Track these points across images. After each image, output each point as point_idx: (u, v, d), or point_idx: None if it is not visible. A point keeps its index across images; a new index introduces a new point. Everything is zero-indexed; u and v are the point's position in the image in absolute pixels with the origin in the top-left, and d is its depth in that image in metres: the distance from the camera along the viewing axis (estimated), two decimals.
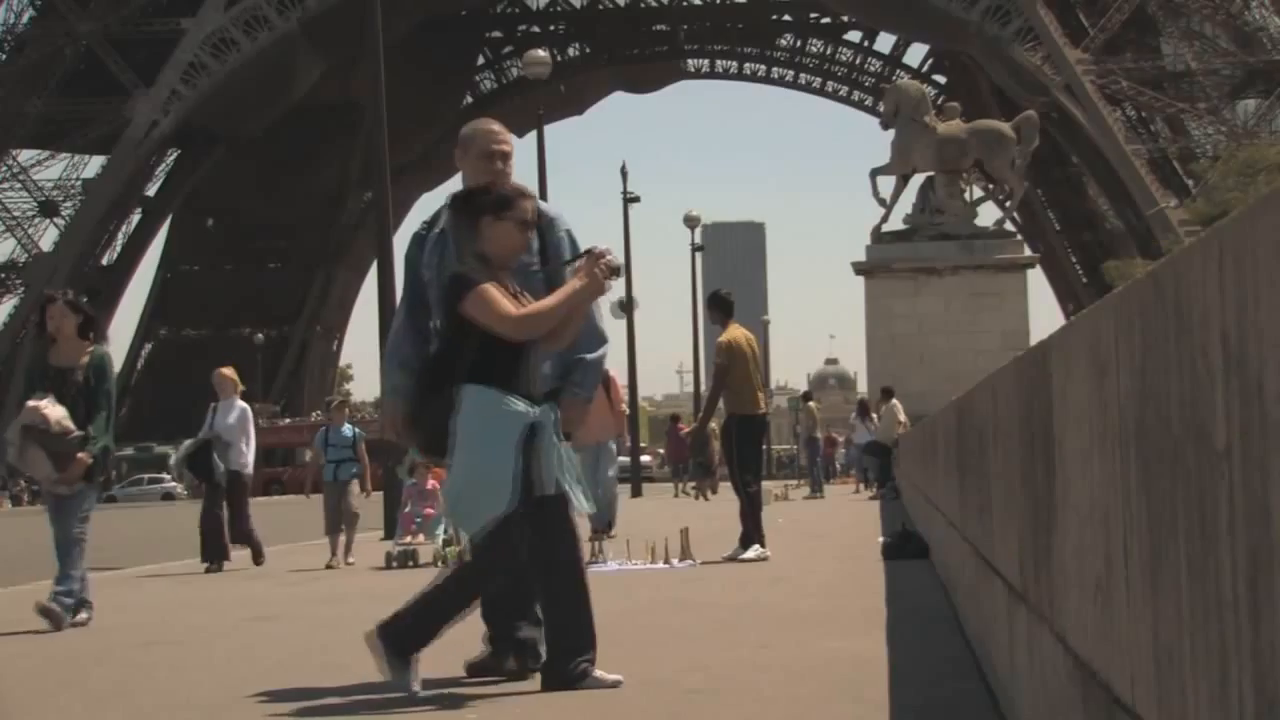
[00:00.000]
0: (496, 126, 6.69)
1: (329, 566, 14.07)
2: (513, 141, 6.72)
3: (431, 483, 13.87)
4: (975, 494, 5.60)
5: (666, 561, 12.70)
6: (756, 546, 13.11)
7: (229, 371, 14.97)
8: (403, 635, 5.77)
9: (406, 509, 14.13)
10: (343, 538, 14.54)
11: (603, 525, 16.15)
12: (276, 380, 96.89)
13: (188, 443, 15.04)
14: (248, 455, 14.61)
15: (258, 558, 14.73)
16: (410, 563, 13.60)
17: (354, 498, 14.84)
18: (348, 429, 15.26)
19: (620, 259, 6.15)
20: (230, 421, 14.53)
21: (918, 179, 37.49)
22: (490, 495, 5.71)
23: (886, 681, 5.71)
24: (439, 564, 12.93)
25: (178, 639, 8.44)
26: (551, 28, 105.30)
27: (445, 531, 13.51)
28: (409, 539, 13.97)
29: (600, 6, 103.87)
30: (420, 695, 5.68)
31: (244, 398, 15.02)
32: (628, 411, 17.17)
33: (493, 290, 5.86)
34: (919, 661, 6.27)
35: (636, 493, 41.32)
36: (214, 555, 14.34)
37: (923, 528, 12.97)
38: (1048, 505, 3.38)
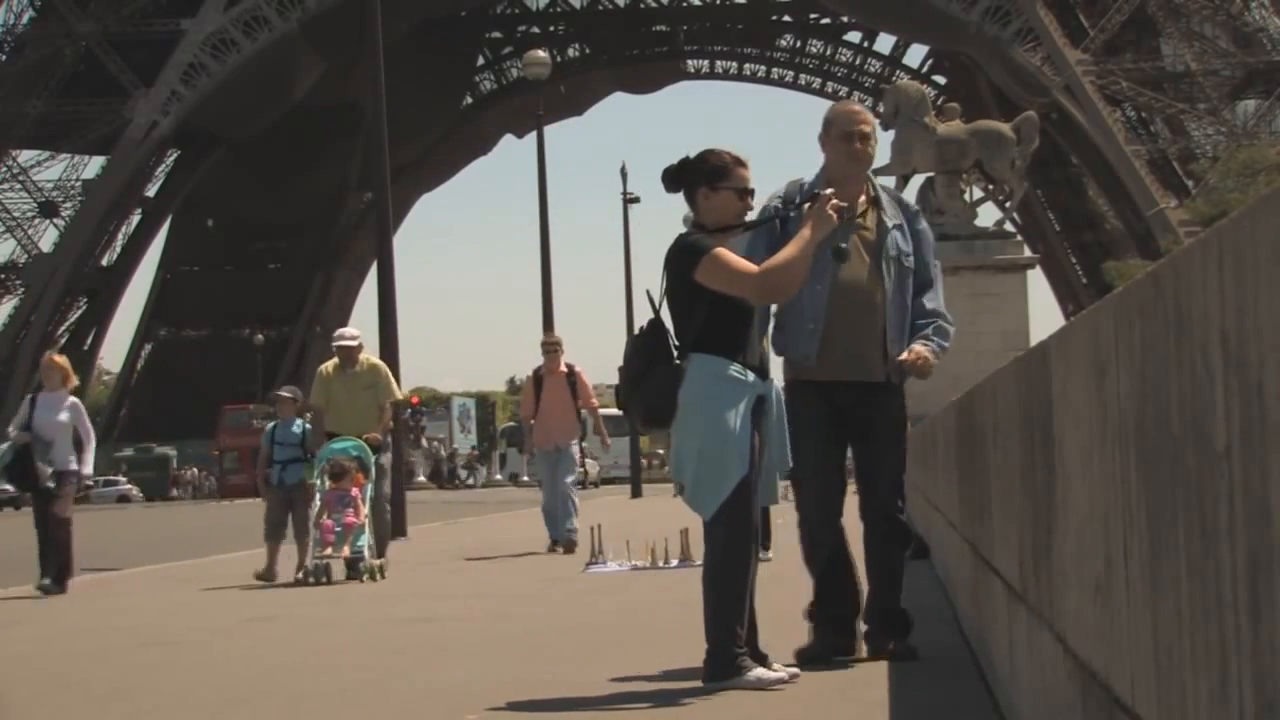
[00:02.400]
0: (857, 108, 6.67)
1: (259, 577, 12.40)
2: (874, 123, 6.62)
3: (354, 490, 12.38)
4: (975, 494, 5.60)
5: (666, 562, 12.69)
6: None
7: (61, 359, 12.95)
8: (723, 656, 5.65)
9: (324, 518, 12.24)
10: (282, 548, 12.79)
11: (563, 540, 15.38)
12: (276, 381, 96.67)
13: (2, 448, 12.59)
14: (78, 455, 12.48)
15: (63, 580, 12.27)
16: (324, 579, 12.04)
17: (309, 507, 12.78)
18: (298, 425, 13.32)
19: (846, 201, 5.96)
20: (60, 419, 12.43)
21: (917, 179, 37.50)
22: (726, 466, 5.61)
23: (886, 682, 5.71)
24: (364, 578, 12.05)
25: (177, 639, 8.44)
26: (551, 28, 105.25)
27: (368, 542, 12.34)
28: (328, 550, 12.16)
29: (600, 7, 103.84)
30: (786, 676, 5.62)
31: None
32: (597, 406, 16.29)
33: (727, 253, 5.74)
34: (919, 662, 6.27)
35: (636, 493, 41.50)
36: (55, 571, 12.25)
37: (923, 528, 12.96)
38: (1048, 505, 3.38)
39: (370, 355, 13.47)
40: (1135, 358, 2.28)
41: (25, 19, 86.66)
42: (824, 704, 5.39)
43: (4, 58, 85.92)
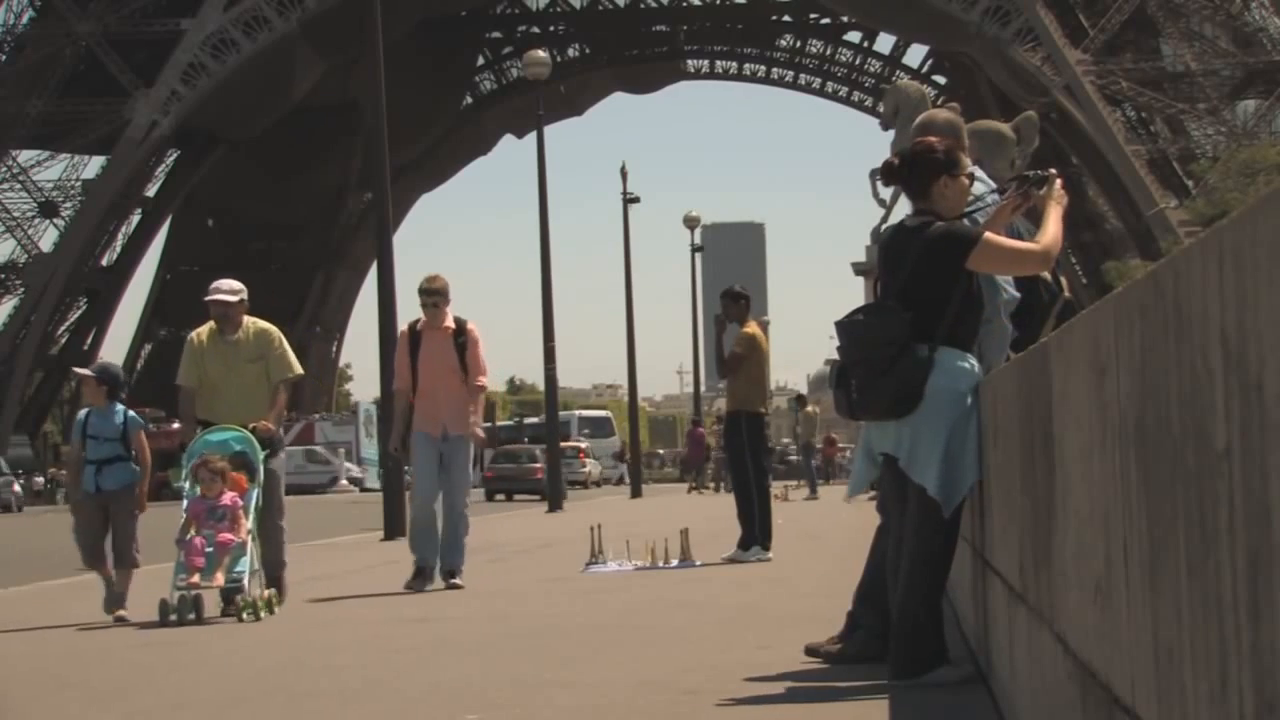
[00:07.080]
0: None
1: (115, 615, 9.49)
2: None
3: (229, 495, 9.46)
4: (975, 494, 5.60)
5: (666, 562, 12.69)
6: (757, 549, 13.01)
7: None
8: (915, 653, 5.54)
9: (191, 535, 9.35)
10: (108, 570, 9.73)
11: (446, 567, 11.26)
12: None
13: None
14: None
15: None
16: (192, 615, 9.07)
17: (131, 523, 9.90)
18: (118, 412, 9.98)
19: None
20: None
21: None
22: (966, 468, 5.49)
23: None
24: (244, 615, 9.10)
25: (177, 639, 8.43)
26: (551, 28, 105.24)
27: (249, 567, 9.38)
28: (196, 578, 9.22)
29: (600, 7, 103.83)
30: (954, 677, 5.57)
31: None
32: (485, 385, 11.82)
33: (998, 236, 5.69)
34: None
35: (636, 493, 41.55)
36: None
37: None
38: (1048, 505, 3.38)
39: (258, 319, 10.24)
40: (1135, 358, 2.28)
41: (25, 19, 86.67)
42: (824, 704, 5.39)
43: (4, 58, 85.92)
